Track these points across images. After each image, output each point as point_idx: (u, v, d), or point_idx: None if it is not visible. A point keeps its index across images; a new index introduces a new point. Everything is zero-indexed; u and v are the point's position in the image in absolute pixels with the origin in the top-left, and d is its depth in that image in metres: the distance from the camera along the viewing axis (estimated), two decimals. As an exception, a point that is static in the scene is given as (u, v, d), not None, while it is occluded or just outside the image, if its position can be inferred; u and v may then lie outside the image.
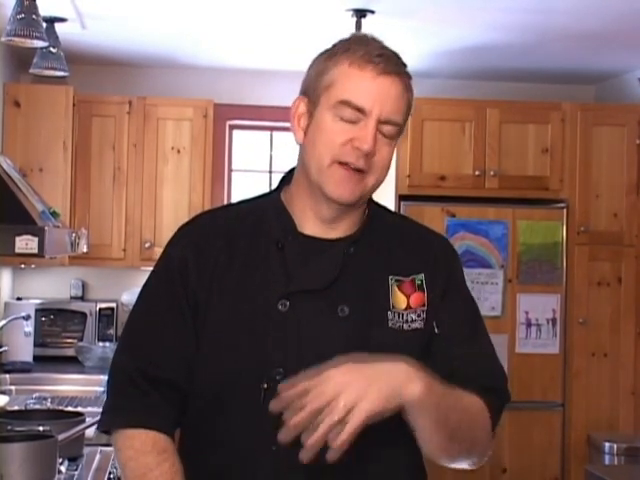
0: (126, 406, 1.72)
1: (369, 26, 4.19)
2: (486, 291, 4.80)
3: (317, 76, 1.72)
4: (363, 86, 1.67)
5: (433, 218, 4.75)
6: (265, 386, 1.66)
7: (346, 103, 1.67)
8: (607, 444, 4.72)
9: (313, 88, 1.72)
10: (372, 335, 1.70)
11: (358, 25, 4.23)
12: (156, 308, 1.76)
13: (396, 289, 1.74)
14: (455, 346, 1.74)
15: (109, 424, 1.76)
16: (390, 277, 1.74)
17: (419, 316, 1.73)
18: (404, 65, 1.73)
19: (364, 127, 1.66)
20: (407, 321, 1.72)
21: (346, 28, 4.19)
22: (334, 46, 1.74)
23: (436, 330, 1.74)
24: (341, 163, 1.68)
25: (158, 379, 1.71)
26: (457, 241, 4.74)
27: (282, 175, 1.85)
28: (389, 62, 1.68)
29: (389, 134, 1.69)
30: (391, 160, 1.73)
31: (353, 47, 1.70)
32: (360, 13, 4.20)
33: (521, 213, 4.90)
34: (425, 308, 1.74)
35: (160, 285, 1.78)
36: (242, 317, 1.70)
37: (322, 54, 1.75)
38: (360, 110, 1.66)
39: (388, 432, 1.63)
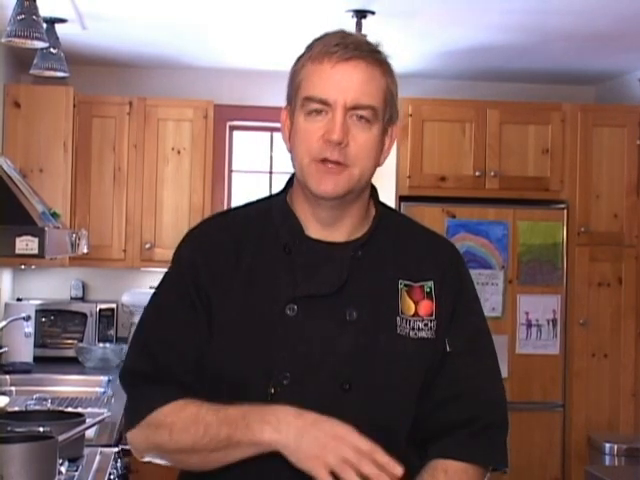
0: (145, 398, 1.71)
1: (369, 27, 4.19)
2: (486, 292, 4.80)
3: (290, 82, 1.73)
4: (323, 78, 1.66)
5: (433, 219, 4.75)
6: (272, 390, 1.65)
7: (310, 99, 1.66)
8: (607, 445, 4.72)
9: (290, 95, 1.73)
10: (380, 340, 1.68)
11: (358, 26, 4.23)
12: (168, 311, 1.76)
13: (405, 294, 1.72)
14: (461, 367, 1.73)
15: (132, 420, 1.74)
16: (400, 281, 1.72)
17: (426, 325, 1.71)
18: (375, 51, 1.70)
19: (330, 119, 1.65)
20: (413, 328, 1.70)
21: (346, 29, 4.18)
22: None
23: (448, 349, 1.72)
24: (319, 160, 1.66)
25: (169, 381, 1.70)
26: (457, 242, 4.74)
27: (289, 176, 1.83)
28: (347, 49, 1.66)
29: (363, 119, 1.67)
30: (376, 147, 1.70)
31: (314, 44, 1.70)
32: (360, 14, 4.20)
33: (521, 214, 4.90)
34: (433, 318, 1.72)
35: (172, 288, 1.77)
36: (250, 321, 1.69)
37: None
38: (324, 102, 1.65)
39: (395, 458, 1.64)
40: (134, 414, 1.74)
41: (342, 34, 1.71)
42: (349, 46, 1.67)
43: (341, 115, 1.64)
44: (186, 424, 1.65)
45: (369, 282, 1.71)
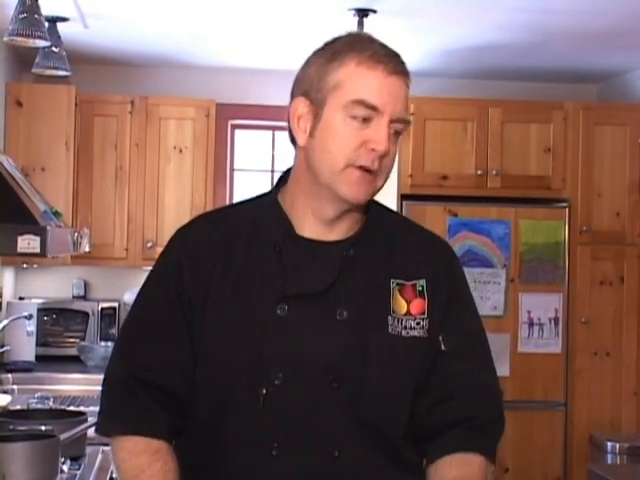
0: (119, 413, 1.72)
1: (371, 26, 4.19)
2: (488, 290, 4.80)
3: (320, 76, 1.68)
4: (375, 85, 1.65)
5: (435, 217, 4.75)
6: (264, 391, 1.64)
7: (359, 102, 1.64)
8: (609, 443, 4.72)
9: (317, 89, 1.68)
10: (371, 340, 1.68)
11: (360, 25, 4.23)
12: (150, 313, 1.76)
13: (397, 293, 1.71)
14: (457, 365, 1.73)
15: (105, 430, 1.77)
16: (391, 281, 1.72)
17: (418, 324, 1.71)
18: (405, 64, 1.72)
19: (377, 128, 1.64)
20: (405, 327, 1.70)
21: (348, 28, 4.17)
22: (330, 46, 1.71)
23: (443, 347, 1.72)
24: (357, 167, 1.65)
25: (151, 385, 1.70)
26: (459, 241, 4.74)
27: (280, 174, 1.83)
28: (397, 62, 1.67)
29: (398, 133, 1.68)
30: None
31: (358, 46, 1.67)
32: (362, 12, 4.20)
33: (523, 212, 4.90)
34: (425, 317, 1.71)
35: (155, 290, 1.77)
36: (240, 321, 1.68)
37: (319, 54, 1.71)
38: (373, 109, 1.64)
39: (392, 457, 1.68)
40: (104, 426, 1.77)
41: (381, 42, 1.70)
42: (397, 58, 1.68)
43: (388, 126, 1.65)
44: (128, 475, 1.69)
45: (360, 281, 1.71)
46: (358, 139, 1.64)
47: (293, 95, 1.74)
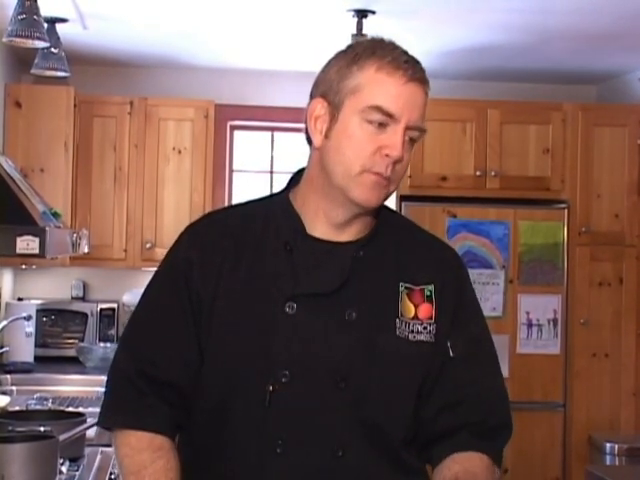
0: (124, 407, 1.73)
1: (370, 27, 4.19)
2: (487, 291, 4.80)
3: (340, 79, 1.69)
4: (393, 92, 1.66)
5: (434, 218, 4.76)
6: (271, 388, 1.65)
7: (376, 108, 1.65)
8: (608, 444, 4.72)
9: (335, 91, 1.69)
10: (378, 341, 1.69)
11: (359, 26, 4.23)
12: (158, 309, 1.76)
13: (405, 297, 1.72)
14: (465, 370, 1.74)
15: (108, 423, 1.77)
16: (400, 284, 1.73)
17: (425, 329, 1.72)
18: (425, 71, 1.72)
19: (393, 134, 1.65)
20: (412, 331, 1.71)
21: (347, 29, 4.19)
22: (352, 49, 1.71)
23: (451, 353, 1.73)
24: (373, 172, 1.66)
25: (157, 380, 1.71)
26: (458, 241, 4.74)
27: (290, 176, 1.83)
28: (416, 68, 1.68)
29: (413, 140, 1.69)
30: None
31: (379, 52, 1.68)
32: (361, 13, 4.20)
33: (522, 213, 4.90)
34: (432, 322, 1.72)
35: (163, 285, 1.77)
36: (248, 318, 1.69)
37: (341, 57, 1.72)
38: (389, 116, 1.65)
39: (394, 458, 1.69)
40: (107, 419, 1.77)
41: (402, 48, 1.71)
42: (416, 65, 1.69)
43: (403, 133, 1.66)
44: (130, 471, 1.69)
45: (370, 283, 1.72)
46: (373, 144, 1.65)
47: (312, 95, 1.74)
